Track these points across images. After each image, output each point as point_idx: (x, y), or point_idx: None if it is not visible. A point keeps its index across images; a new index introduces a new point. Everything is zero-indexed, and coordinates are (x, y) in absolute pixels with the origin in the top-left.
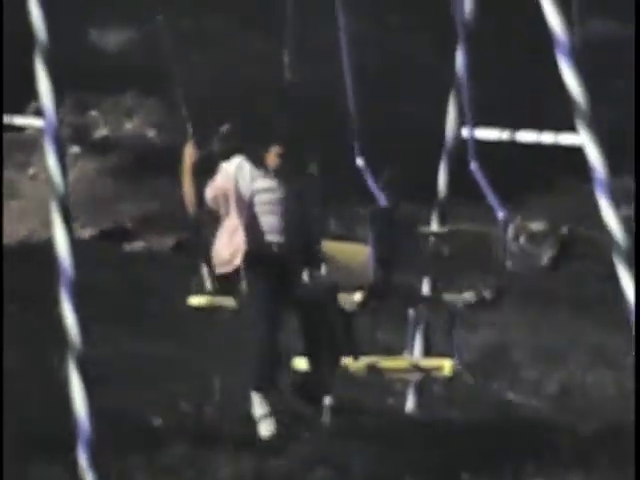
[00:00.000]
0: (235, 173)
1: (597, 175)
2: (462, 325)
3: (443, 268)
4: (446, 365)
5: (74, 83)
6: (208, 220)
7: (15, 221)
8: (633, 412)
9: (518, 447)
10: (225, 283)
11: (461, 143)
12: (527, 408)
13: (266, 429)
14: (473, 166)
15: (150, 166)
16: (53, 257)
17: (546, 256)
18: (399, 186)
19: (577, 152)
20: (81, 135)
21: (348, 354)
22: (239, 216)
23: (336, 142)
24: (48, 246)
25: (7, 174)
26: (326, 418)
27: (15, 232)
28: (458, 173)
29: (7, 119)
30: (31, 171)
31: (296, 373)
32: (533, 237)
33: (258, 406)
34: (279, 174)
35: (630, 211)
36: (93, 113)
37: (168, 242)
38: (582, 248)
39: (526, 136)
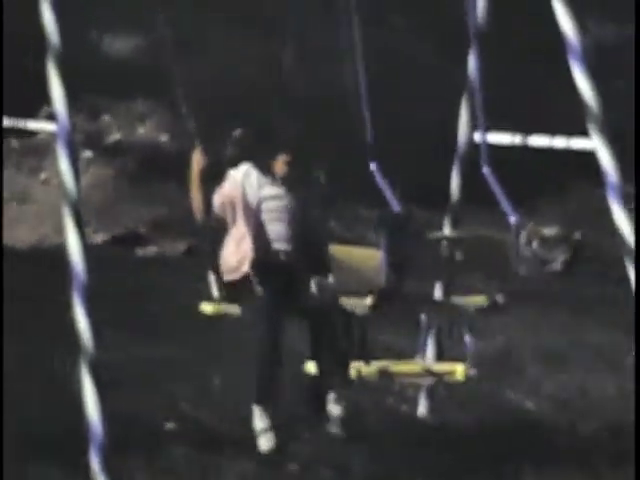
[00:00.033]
0: (242, 180)
1: (609, 179)
2: (474, 330)
3: (455, 273)
4: (458, 370)
5: (87, 88)
6: (216, 227)
7: (27, 226)
8: None
9: (530, 451)
10: (232, 290)
11: (473, 147)
12: (539, 413)
13: (265, 443)
14: (485, 170)
15: (162, 171)
16: (65, 262)
17: (559, 261)
18: (411, 191)
19: (590, 156)
20: (94, 140)
21: (359, 359)
22: (246, 224)
23: (348, 146)
24: (60, 251)
25: (19, 179)
26: (335, 429)
27: (27, 237)
28: (470, 178)
29: (20, 123)
30: (43, 176)
31: (307, 377)
32: (546, 242)
33: (258, 419)
34: (286, 182)
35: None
36: (106, 118)
37: (180, 247)
38: (595, 252)
39: (538, 140)
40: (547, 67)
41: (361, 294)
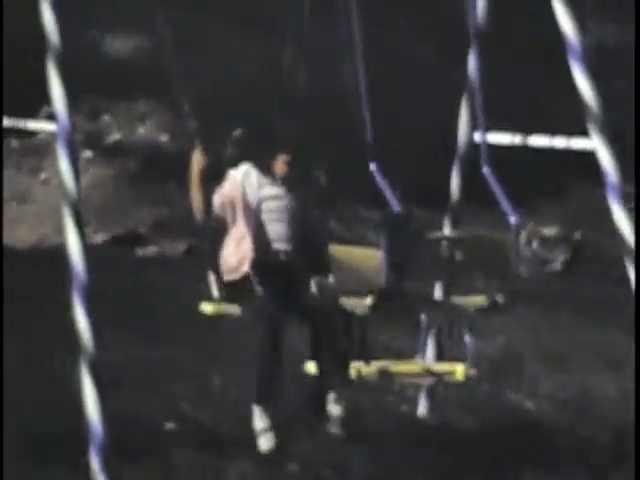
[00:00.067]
0: (242, 180)
1: (609, 180)
2: (474, 330)
3: (455, 273)
4: (458, 370)
5: (87, 88)
6: (216, 227)
7: (27, 226)
8: None
9: (530, 452)
10: (232, 291)
11: (473, 147)
12: (539, 413)
13: (265, 443)
14: (485, 170)
15: (162, 171)
16: (65, 262)
17: (559, 261)
18: (411, 191)
19: (590, 156)
20: (94, 140)
21: (359, 358)
22: (246, 224)
23: (348, 146)
24: (60, 251)
25: (19, 179)
26: (335, 429)
27: (27, 237)
28: (470, 178)
29: (20, 123)
30: (43, 176)
31: (307, 377)
32: (546, 242)
33: (258, 419)
34: (286, 182)
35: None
36: (106, 118)
37: (180, 247)
38: (595, 252)
39: (538, 140)
40: (547, 67)
41: (361, 294)
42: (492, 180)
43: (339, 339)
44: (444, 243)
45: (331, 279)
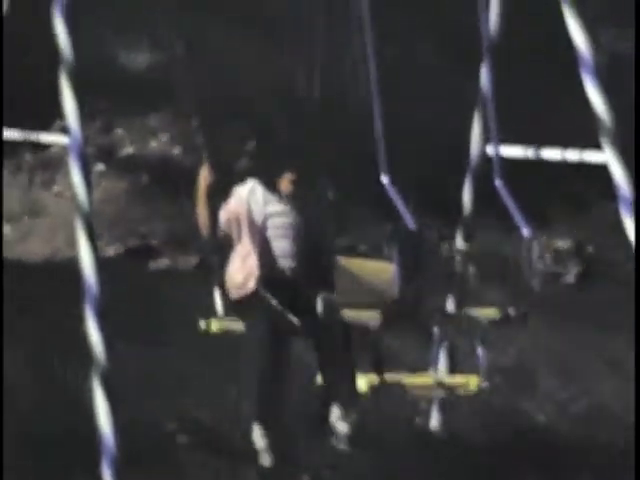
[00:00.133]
0: (248, 197)
1: (622, 193)
2: (487, 342)
3: (468, 285)
4: (471, 382)
5: (100, 101)
6: (222, 243)
7: (40, 239)
8: None
9: (543, 465)
10: (237, 307)
11: (486, 160)
12: (552, 426)
13: (266, 460)
14: (498, 183)
15: (175, 184)
16: (78, 275)
17: (572, 274)
18: (424, 204)
19: (602, 169)
20: (106, 153)
21: (372, 371)
22: (251, 240)
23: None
24: (73, 264)
25: (32, 192)
26: (343, 445)
27: (40, 250)
28: (483, 191)
29: (32, 136)
30: (56, 189)
31: (313, 392)
32: (558, 255)
33: (258, 437)
34: (292, 199)
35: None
36: (118, 131)
37: (192, 260)
38: (608, 265)
39: (551, 153)
40: (560, 80)
41: (374, 307)
42: (505, 193)
43: (343, 354)
44: (457, 256)
45: (336, 295)
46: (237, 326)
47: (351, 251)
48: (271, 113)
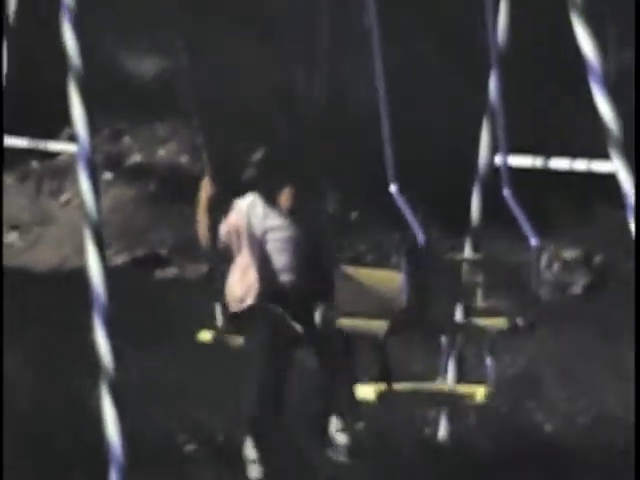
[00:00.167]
0: (248, 210)
1: (630, 202)
2: (495, 352)
3: (476, 295)
4: (479, 392)
5: (108, 110)
6: (223, 256)
7: (48, 247)
8: None
9: (550, 475)
10: (236, 321)
11: (494, 170)
12: (560, 436)
13: (253, 473)
14: (506, 193)
15: (183, 193)
16: (86, 284)
17: (580, 284)
18: (432, 213)
19: (611, 179)
20: (114, 161)
21: (380, 381)
22: (251, 254)
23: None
24: (81, 273)
25: (40, 200)
26: (342, 457)
27: (49, 259)
28: (491, 200)
29: (40, 145)
30: (64, 197)
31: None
32: (566, 265)
33: (250, 449)
34: (292, 213)
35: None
36: (126, 140)
37: (200, 269)
38: (616, 275)
39: (559, 163)
40: (568, 90)
41: (382, 316)
42: (513, 203)
43: (343, 362)
44: (465, 265)
45: (343, 304)
46: (235, 340)
47: (357, 260)
48: (271, 113)
